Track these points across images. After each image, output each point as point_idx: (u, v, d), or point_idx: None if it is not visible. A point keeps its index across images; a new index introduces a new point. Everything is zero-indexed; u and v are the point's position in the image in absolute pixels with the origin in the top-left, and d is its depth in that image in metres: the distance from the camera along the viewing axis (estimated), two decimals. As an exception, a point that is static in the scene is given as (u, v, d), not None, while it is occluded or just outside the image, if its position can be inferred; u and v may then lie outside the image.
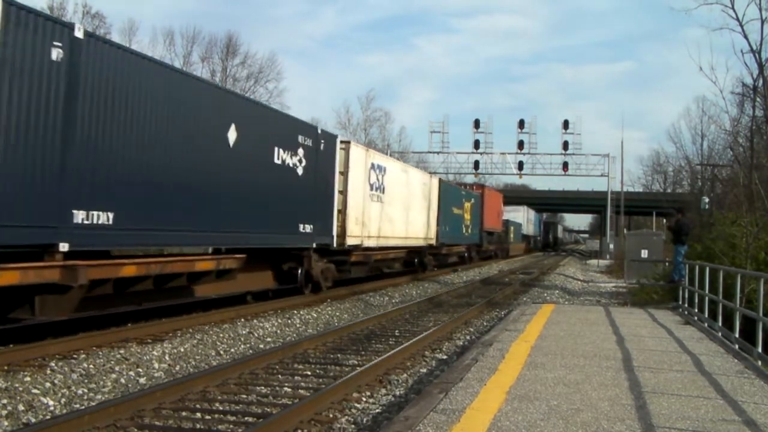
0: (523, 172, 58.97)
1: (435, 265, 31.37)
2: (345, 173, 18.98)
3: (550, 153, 58.26)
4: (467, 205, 36.93)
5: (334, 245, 18.25)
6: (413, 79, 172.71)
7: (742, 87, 23.80)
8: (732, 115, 30.29)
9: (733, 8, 18.86)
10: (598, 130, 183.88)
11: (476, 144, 57.54)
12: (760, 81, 19.33)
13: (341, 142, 19.24)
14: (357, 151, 20.16)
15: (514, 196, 71.14)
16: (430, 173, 32.76)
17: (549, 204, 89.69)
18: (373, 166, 21.47)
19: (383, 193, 22.38)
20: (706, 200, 35.20)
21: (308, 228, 16.57)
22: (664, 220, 49.55)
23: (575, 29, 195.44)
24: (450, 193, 33.10)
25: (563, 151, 56.51)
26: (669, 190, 58.27)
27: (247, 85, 56.13)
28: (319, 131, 17.45)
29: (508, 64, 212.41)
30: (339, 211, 18.53)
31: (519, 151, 57.63)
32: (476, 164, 58.19)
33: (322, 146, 17.27)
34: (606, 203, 58.42)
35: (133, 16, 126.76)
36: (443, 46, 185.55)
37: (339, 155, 18.53)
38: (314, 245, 17.07)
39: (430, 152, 59.20)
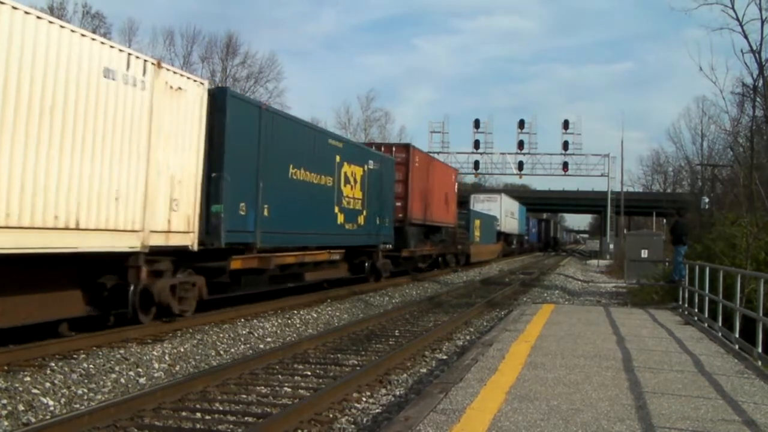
0: (523, 172, 59.01)
1: (201, 298, 13.20)
2: None
3: (550, 153, 58.32)
4: (353, 171, 19.51)
5: None
6: (413, 79, 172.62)
7: (742, 87, 23.79)
8: (732, 115, 30.31)
9: (733, 8, 18.83)
10: (598, 130, 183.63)
11: (476, 144, 57.58)
12: (760, 81, 19.30)
13: None
14: None
15: (515, 196, 70.93)
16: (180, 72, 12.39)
17: (549, 204, 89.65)
18: None
19: None
20: (706, 200, 35.21)
21: None
22: (664, 221, 49.56)
23: (575, 29, 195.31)
24: (286, 137, 15.51)
25: (563, 151, 56.56)
26: (669, 190, 58.28)
27: (247, 85, 56.15)
28: None
29: (508, 64, 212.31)
30: None
31: (519, 151, 57.68)
32: (476, 164, 58.22)
33: None
34: (606, 203, 58.43)
35: (133, 16, 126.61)
36: (443, 47, 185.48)
37: None
38: None
39: (431, 152, 59.10)
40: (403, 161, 25.74)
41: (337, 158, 18.64)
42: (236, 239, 13.39)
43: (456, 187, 35.17)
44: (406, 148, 26.81)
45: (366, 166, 20.85)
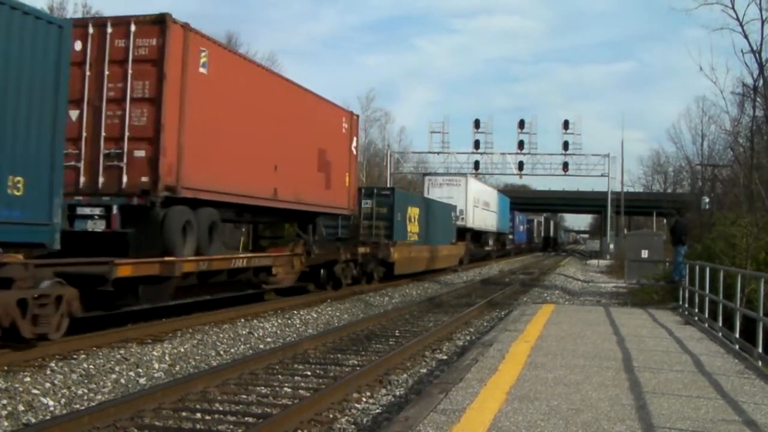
0: (523, 172, 58.85)
1: None
2: None
3: (551, 153, 58.12)
4: None
5: None
6: (413, 79, 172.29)
7: (743, 87, 23.76)
8: (732, 116, 30.23)
9: (733, 8, 18.87)
10: (598, 130, 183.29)
11: (476, 144, 57.47)
12: (761, 81, 19.33)
13: None
14: None
15: (515, 196, 70.75)
16: None
17: (549, 204, 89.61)
18: None
19: None
20: (707, 200, 35.17)
21: None
22: (665, 221, 49.54)
23: (575, 29, 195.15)
24: None
25: (563, 151, 56.43)
26: (669, 191, 58.23)
27: (246, 85, 56.02)
28: None
29: (508, 65, 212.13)
30: None
31: (519, 152, 57.52)
32: (476, 164, 58.10)
33: None
34: (606, 203, 58.35)
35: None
36: (444, 47, 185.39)
37: None
38: None
39: (430, 152, 59.07)
40: (150, 55, 12.07)
41: None
42: None
43: (354, 144, 20.56)
44: (160, 25, 12.06)
45: None
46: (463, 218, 37.84)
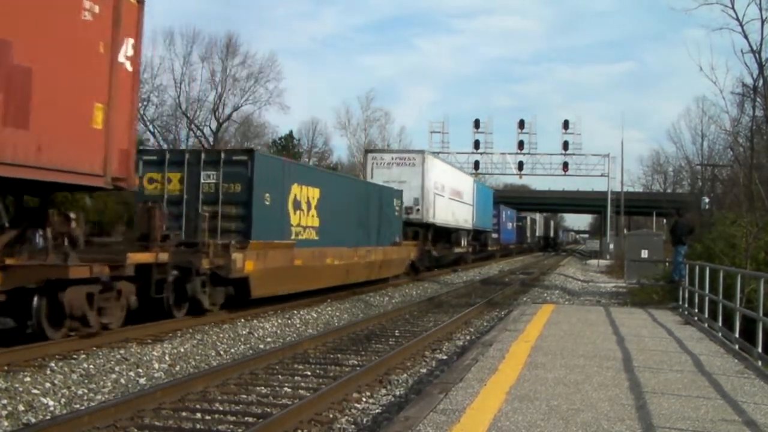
0: (523, 172, 58.87)
1: None
2: None
3: (550, 153, 58.15)
4: None
5: None
6: (413, 80, 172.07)
7: (742, 87, 23.76)
8: (732, 115, 30.23)
9: (733, 8, 18.86)
10: (598, 130, 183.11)
11: (476, 144, 57.49)
12: (760, 81, 19.33)
13: None
14: None
15: (514, 196, 70.66)
16: None
17: (549, 204, 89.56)
18: None
19: None
20: (706, 200, 35.19)
21: None
22: (664, 221, 49.56)
23: (576, 29, 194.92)
24: None
25: (563, 151, 56.46)
26: (669, 190, 58.31)
27: (247, 85, 56.00)
28: None
29: (508, 65, 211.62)
30: None
31: (519, 151, 57.55)
32: (476, 164, 58.11)
33: None
34: (606, 203, 58.37)
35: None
36: (444, 47, 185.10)
37: None
38: None
39: (430, 152, 59.07)
40: None
41: None
42: None
43: (128, 53, 10.53)
44: None
45: None
46: (419, 209, 27.99)
